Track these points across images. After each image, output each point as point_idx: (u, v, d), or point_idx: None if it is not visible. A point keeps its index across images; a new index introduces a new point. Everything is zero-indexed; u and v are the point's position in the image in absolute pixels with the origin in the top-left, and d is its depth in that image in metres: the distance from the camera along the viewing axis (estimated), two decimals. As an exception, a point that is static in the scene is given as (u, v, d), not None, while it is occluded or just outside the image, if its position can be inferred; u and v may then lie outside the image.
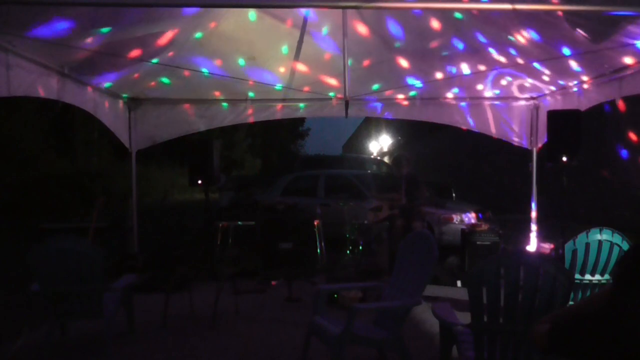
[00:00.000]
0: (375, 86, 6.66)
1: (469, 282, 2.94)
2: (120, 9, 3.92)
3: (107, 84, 5.91)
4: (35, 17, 3.60)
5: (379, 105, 7.11)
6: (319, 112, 7.10)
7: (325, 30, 5.31)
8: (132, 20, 4.28)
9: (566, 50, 4.63)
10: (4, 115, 17.32)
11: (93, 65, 4.94)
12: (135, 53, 5.00)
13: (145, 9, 4.11)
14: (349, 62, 5.63)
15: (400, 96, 6.94)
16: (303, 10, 4.92)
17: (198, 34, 5.30)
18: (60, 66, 4.65)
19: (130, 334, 4.63)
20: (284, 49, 5.69)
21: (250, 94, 6.80)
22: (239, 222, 7.41)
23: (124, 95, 6.63)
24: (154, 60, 5.40)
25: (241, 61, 5.94)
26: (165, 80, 6.30)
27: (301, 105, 7.08)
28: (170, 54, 5.36)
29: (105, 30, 4.23)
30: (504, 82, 6.32)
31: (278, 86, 6.50)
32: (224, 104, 6.97)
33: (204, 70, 6.11)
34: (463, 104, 7.05)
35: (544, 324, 1.80)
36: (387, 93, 6.75)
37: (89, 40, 4.33)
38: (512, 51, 5.08)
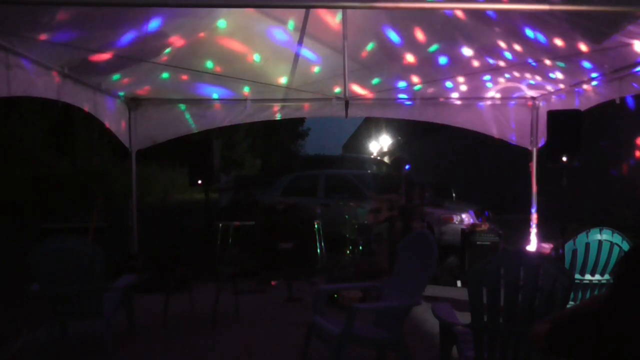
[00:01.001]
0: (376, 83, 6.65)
1: (469, 282, 2.94)
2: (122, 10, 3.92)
3: (121, 93, 6.03)
4: (40, 18, 3.60)
5: (379, 105, 7.10)
6: (319, 112, 7.09)
7: (324, 30, 5.30)
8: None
9: (566, 51, 4.63)
10: (4, 115, 17.34)
11: (94, 65, 4.93)
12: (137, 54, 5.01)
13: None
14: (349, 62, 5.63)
15: (401, 96, 6.93)
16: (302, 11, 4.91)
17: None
18: (61, 66, 4.64)
19: (130, 334, 4.62)
20: (284, 49, 5.69)
21: (246, 87, 6.75)
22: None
23: (121, 93, 6.62)
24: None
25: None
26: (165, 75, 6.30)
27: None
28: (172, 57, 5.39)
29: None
30: (504, 82, 6.31)
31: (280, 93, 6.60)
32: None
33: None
34: (464, 103, 7.05)
35: (544, 324, 1.80)
36: (388, 93, 6.74)
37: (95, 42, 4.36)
38: (513, 51, 5.08)
